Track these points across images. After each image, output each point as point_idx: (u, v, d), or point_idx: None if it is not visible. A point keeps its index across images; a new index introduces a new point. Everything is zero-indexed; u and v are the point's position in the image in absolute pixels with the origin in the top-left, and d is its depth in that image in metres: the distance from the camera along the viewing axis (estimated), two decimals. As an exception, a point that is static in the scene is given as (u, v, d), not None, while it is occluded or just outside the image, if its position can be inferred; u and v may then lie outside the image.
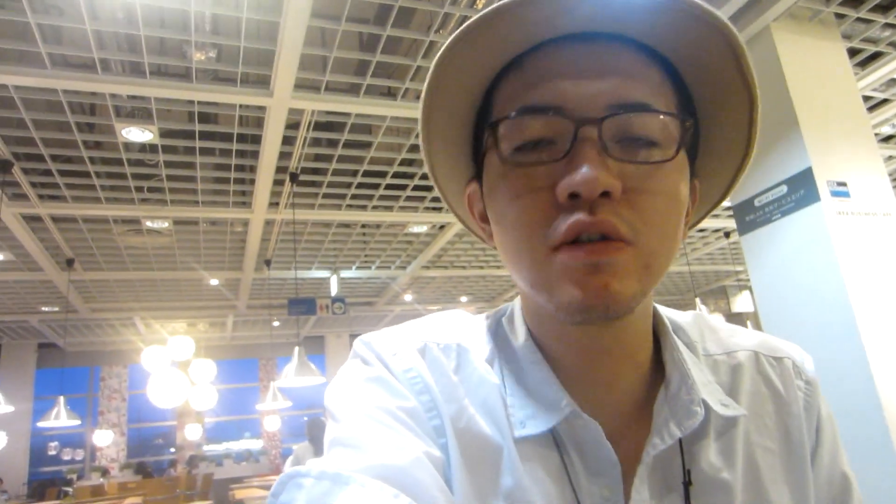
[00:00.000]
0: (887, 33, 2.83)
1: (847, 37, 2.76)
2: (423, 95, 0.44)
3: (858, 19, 2.66)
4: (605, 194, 0.38)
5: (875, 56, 3.00)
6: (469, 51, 0.41)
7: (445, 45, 0.41)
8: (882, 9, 2.64)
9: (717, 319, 0.56)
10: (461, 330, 0.50)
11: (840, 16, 2.61)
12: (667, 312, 0.52)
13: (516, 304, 0.51)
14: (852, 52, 2.87)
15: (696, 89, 0.44)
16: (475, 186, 0.49)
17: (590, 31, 0.41)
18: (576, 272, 0.39)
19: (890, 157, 4.38)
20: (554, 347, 0.46)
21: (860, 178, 2.30)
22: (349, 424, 0.41)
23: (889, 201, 2.33)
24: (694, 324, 0.53)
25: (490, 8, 0.39)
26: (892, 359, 2.04)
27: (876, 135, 3.85)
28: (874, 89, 3.32)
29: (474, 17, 0.39)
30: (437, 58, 0.42)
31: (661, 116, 0.40)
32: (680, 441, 0.44)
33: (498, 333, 0.50)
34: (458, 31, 0.40)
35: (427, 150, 0.48)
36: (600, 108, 0.39)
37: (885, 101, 3.51)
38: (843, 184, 2.26)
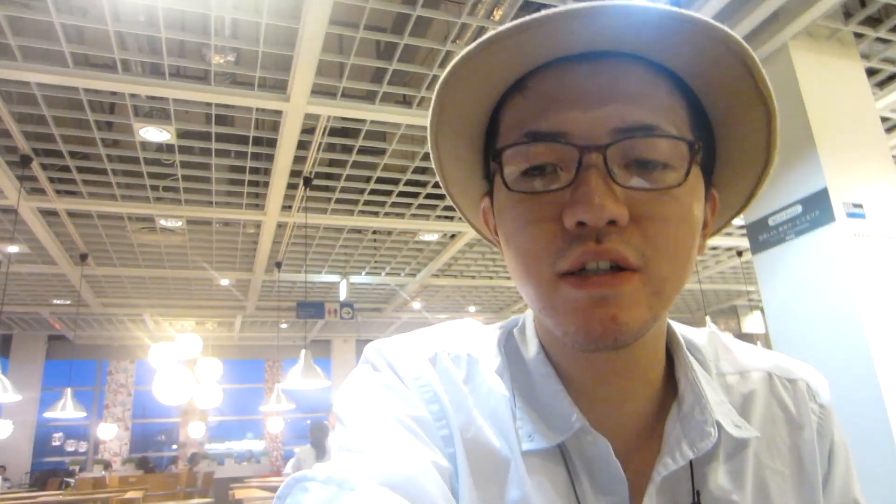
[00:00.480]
0: (907, 55, 2.81)
1: (865, 56, 2.74)
2: (429, 119, 0.44)
3: (878, 39, 2.64)
4: (613, 222, 0.37)
5: (894, 76, 2.98)
6: (471, 77, 0.41)
7: (446, 70, 0.40)
8: (902, 30, 2.62)
9: (732, 339, 0.55)
10: (472, 340, 0.50)
11: (859, 35, 2.59)
12: (681, 330, 0.52)
13: (528, 316, 0.51)
14: (871, 72, 2.85)
15: (710, 102, 0.43)
16: (488, 202, 0.48)
17: (594, 50, 0.40)
18: (581, 304, 0.38)
19: (907, 180, 4.32)
20: (565, 363, 0.46)
21: (877, 201, 2.28)
22: (358, 430, 0.41)
23: (906, 224, 2.30)
24: (708, 342, 0.53)
25: (489, 35, 0.38)
26: (906, 384, 2.00)
27: (894, 157, 3.80)
28: (893, 110, 3.28)
29: (473, 45, 0.39)
30: (438, 84, 0.41)
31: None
32: (690, 461, 0.43)
33: (509, 345, 0.50)
34: (458, 57, 0.39)
35: (439, 169, 0.48)
36: (605, 134, 0.38)
37: (903, 123, 3.48)
38: (860, 205, 2.23)
